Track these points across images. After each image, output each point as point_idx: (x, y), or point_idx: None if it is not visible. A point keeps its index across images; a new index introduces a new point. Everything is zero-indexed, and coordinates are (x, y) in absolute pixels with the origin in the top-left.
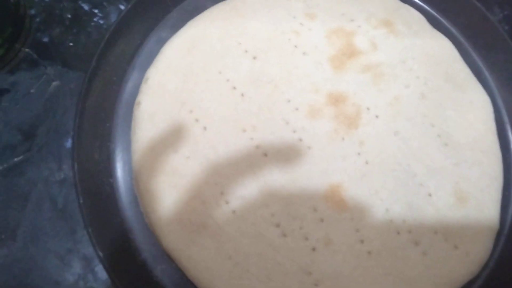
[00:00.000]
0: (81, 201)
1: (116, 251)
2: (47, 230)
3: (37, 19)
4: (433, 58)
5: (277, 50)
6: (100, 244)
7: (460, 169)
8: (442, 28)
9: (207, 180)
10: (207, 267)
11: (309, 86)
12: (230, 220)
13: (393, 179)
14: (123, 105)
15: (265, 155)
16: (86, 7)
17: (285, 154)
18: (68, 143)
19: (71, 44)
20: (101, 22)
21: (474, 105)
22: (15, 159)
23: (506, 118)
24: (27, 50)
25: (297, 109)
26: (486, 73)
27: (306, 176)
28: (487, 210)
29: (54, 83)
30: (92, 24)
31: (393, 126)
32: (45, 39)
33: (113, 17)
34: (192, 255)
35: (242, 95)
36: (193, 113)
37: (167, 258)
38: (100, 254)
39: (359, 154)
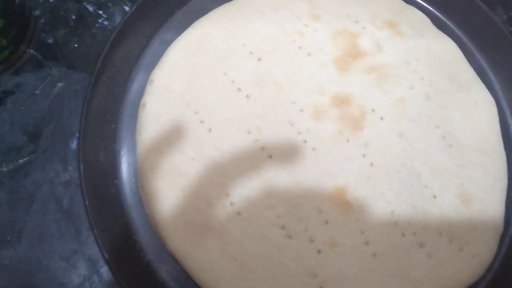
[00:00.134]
0: (87, 202)
1: (121, 252)
2: (52, 231)
3: (42, 20)
4: (437, 59)
5: (282, 51)
6: (105, 245)
7: (464, 171)
8: (446, 29)
9: (212, 181)
10: (212, 268)
11: (314, 88)
12: (235, 222)
13: (398, 180)
14: (128, 106)
15: (270, 156)
16: (90, 8)
17: (290, 155)
18: (74, 145)
19: (76, 45)
20: (106, 23)
21: (479, 106)
22: (20, 161)
23: (510, 119)
24: (32, 51)
25: (302, 110)
26: (490, 74)
27: (311, 178)
28: (492, 211)
29: (59, 85)
30: (97, 25)
31: (397, 127)
32: (50, 40)
33: (118, 19)
34: (197, 256)
35: (247, 96)
36: (198, 114)
37: (172, 259)
38: (105, 255)
39: (364, 155)
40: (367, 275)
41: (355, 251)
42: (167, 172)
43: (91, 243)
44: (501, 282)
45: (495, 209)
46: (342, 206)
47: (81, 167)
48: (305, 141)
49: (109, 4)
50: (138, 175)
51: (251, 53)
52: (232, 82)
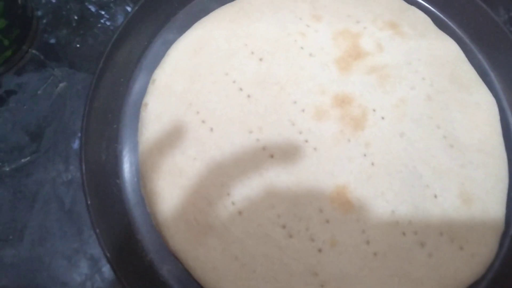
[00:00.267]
0: (89, 201)
1: (123, 251)
2: (54, 230)
3: (44, 21)
4: (438, 59)
5: (284, 51)
6: (107, 244)
7: (465, 171)
8: (447, 30)
9: (214, 181)
10: (213, 267)
11: (315, 88)
12: (236, 221)
13: (399, 180)
14: (130, 106)
15: (271, 156)
16: (93, 8)
17: (291, 155)
18: (76, 144)
19: (78, 45)
20: (108, 23)
21: (480, 106)
22: (23, 160)
23: (511, 120)
24: (34, 51)
25: (303, 110)
26: (492, 74)
27: (312, 178)
28: (493, 211)
29: (61, 84)
30: (99, 25)
31: (399, 127)
32: (52, 41)
33: (120, 19)
34: (198, 256)
35: (249, 96)
36: (200, 114)
37: (174, 258)
38: (107, 254)
39: (365, 155)
40: (367, 274)
41: (356, 251)
42: (168, 172)
43: (93, 242)
44: (502, 282)
45: (496, 209)
46: (343, 206)
47: (83, 167)
48: (306, 141)
49: (111, 5)
50: (140, 174)
51: (252, 53)
52: (234, 82)
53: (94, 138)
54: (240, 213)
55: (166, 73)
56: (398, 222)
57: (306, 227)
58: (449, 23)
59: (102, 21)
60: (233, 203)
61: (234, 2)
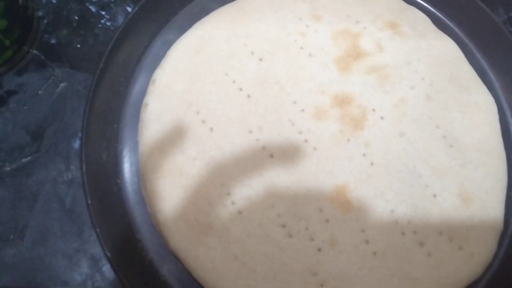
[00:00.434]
0: (89, 201)
1: (123, 251)
2: (55, 230)
3: (45, 21)
4: (438, 59)
5: (283, 51)
6: (108, 244)
7: (465, 170)
8: (447, 30)
9: (214, 181)
10: (213, 267)
11: (315, 88)
12: (236, 221)
13: (399, 180)
14: (130, 106)
15: (271, 156)
16: (93, 9)
17: (291, 155)
18: (76, 144)
19: (78, 45)
20: (108, 24)
21: (479, 106)
22: (23, 160)
23: (510, 119)
24: (35, 51)
25: (303, 110)
26: (491, 74)
27: (312, 177)
28: (492, 211)
29: (61, 85)
30: (99, 26)
31: (398, 127)
32: (53, 41)
33: (120, 19)
34: (198, 255)
35: (249, 96)
36: (200, 114)
37: (174, 258)
38: (108, 254)
39: (364, 155)
40: (367, 273)
41: (355, 250)
42: (168, 172)
43: (94, 241)
44: (501, 281)
45: (495, 209)
46: (343, 205)
47: (84, 167)
48: (306, 141)
49: (112, 5)
50: (140, 174)
51: (252, 53)
52: (234, 82)
53: (94, 138)
54: (240, 212)
55: (166, 73)
56: (397, 222)
57: (305, 227)
58: (449, 23)
59: (102, 21)
60: (233, 203)
61: (234, 2)
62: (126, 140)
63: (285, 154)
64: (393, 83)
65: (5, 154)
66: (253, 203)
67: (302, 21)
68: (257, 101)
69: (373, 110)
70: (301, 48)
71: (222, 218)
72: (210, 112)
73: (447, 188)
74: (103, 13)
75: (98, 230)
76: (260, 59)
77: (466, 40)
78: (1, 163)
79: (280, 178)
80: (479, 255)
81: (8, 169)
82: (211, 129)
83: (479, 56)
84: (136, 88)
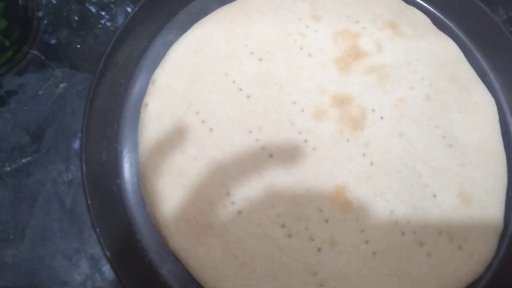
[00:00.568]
0: (89, 201)
1: (123, 251)
2: (55, 230)
3: (45, 21)
4: (437, 59)
5: (283, 51)
6: (108, 244)
7: (464, 170)
8: (446, 30)
9: (213, 181)
10: (213, 267)
11: (315, 88)
12: (236, 221)
13: (398, 180)
14: (130, 106)
15: (271, 156)
16: (93, 9)
17: (291, 155)
18: (76, 144)
19: (78, 46)
20: (108, 24)
21: (479, 106)
22: (24, 160)
23: (510, 119)
24: (35, 52)
25: (302, 110)
26: (491, 75)
27: (312, 177)
28: (492, 211)
29: (61, 85)
30: (99, 26)
31: (398, 127)
32: (53, 41)
33: (120, 20)
34: (198, 255)
35: (248, 96)
36: (200, 114)
37: (174, 258)
38: (108, 254)
39: (364, 155)
40: (367, 273)
41: (355, 250)
42: (168, 172)
43: (93, 242)
44: (501, 281)
45: (495, 209)
46: (342, 205)
47: (84, 167)
48: (306, 141)
49: (112, 5)
50: (140, 174)
51: (252, 53)
52: (233, 82)
53: (94, 138)
54: (239, 212)
55: (166, 74)
56: (397, 222)
57: (305, 227)
58: (448, 23)
59: (102, 21)
60: (232, 203)
61: (234, 2)
62: (126, 140)
63: (285, 154)
64: (393, 83)
65: (5, 154)
66: (252, 203)
67: (302, 21)
68: (257, 101)
69: (373, 110)
70: (301, 48)
71: (222, 218)
72: (210, 112)
73: (447, 188)
74: (103, 13)
75: (98, 230)
76: (260, 59)
77: (466, 40)
78: (1, 163)
79: (279, 178)
80: (479, 255)
81: (8, 169)
82: (211, 129)
83: (479, 56)
84: (136, 88)
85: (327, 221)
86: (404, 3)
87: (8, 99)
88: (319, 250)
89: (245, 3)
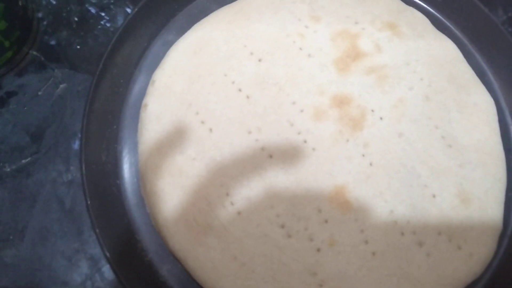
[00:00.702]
0: (89, 202)
1: (123, 251)
2: (54, 230)
3: (45, 22)
4: (437, 60)
5: (282, 52)
6: (107, 244)
7: (464, 171)
8: (445, 30)
9: (213, 181)
10: (212, 267)
11: (314, 88)
12: (236, 221)
13: (398, 180)
14: (130, 107)
15: (270, 156)
16: (93, 10)
17: (290, 155)
18: (76, 145)
19: (78, 47)
20: (108, 25)
21: (478, 106)
22: (23, 161)
23: (509, 120)
24: (34, 52)
25: (302, 111)
26: (490, 75)
27: (311, 178)
28: (491, 211)
29: (61, 86)
30: (99, 27)
31: (397, 128)
32: (53, 42)
33: (120, 20)
34: (197, 256)
35: (248, 97)
36: (199, 115)
37: (173, 258)
38: (107, 254)
39: (363, 155)
40: (366, 273)
41: (354, 250)
42: (168, 172)
43: (93, 242)
44: (500, 281)
45: (494, 209)
46: (342, 206)
47: (83, 167)
48: (305, 141)
49: (111, 6)
50: (140, 175)
51: (251, 54)
52: (233, 83)
53: (94, 139)
54: (239, 213)
55: (165, 74)
56: (396, 222)
57: (305, 227)
58: (447, 23)
59: (102, 22)
60: (232, 203)
61: (234, 3)
62: (126, 140)
63: (284, 154)
64: (392, 84)
65: (5, 155)
66: (252, 204)
67: (301, 22)
68: (256, 101)
69: (372, 110)
70: (300, 49)
71: (222, 218)
72: (209, 113)
73: (446, 188)
74: (103, 14)
75: (97, 230)
76: (259, 60)
77: (465, 40)
78: (1, 164)
79: (279, 178)
80: (478, 255)
81: (8, 170)
82: (211, 130)
83: (478, 56)
84: (136, 89)
85: (326, 221)
86: (403, 3)
87: (8, 100)
88: (318, 250)
89: (244, 4)
